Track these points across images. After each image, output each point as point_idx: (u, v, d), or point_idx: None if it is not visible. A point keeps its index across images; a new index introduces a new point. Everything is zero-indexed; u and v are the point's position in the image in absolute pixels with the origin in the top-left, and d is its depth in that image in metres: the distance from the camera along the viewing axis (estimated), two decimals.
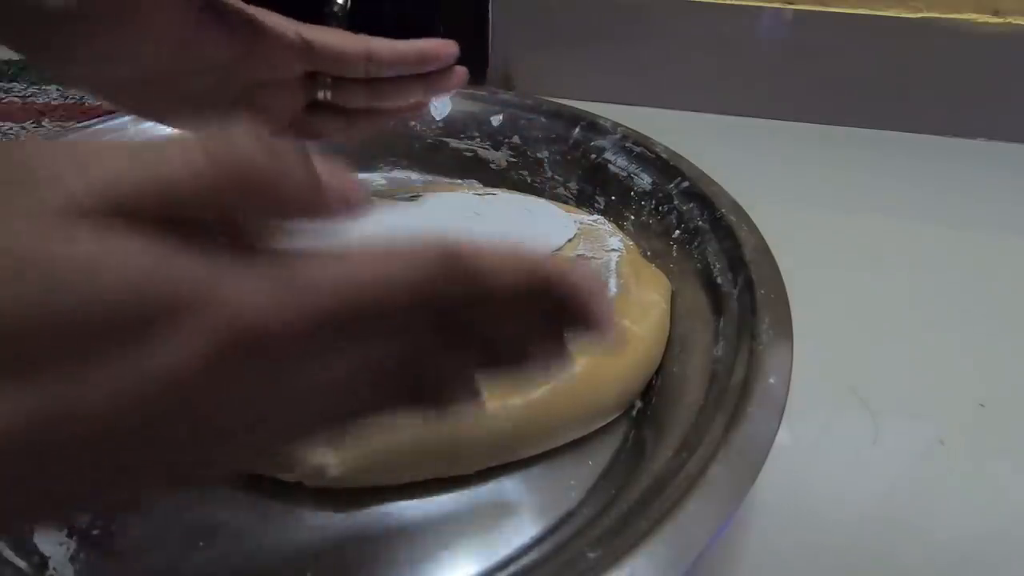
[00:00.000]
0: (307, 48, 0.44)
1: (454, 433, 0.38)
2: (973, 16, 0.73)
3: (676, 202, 0.53)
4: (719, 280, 0.46)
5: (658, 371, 0.45)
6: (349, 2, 0.81)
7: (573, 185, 0.62)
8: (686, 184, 0.54)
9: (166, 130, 0.60)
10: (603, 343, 0.24)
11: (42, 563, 0.35)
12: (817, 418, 0.47)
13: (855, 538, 0.41)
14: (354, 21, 0.82)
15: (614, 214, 0.57)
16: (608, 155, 0.60)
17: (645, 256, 0.53)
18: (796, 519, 0.41)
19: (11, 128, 0.79)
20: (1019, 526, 0.42)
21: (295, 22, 0.43)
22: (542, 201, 0.54)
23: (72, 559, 0.36)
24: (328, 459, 0.37)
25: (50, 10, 0.33)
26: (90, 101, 0.79)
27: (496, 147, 0.66)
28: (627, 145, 0.60)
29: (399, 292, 0.21)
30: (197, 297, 0.18)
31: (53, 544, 0.36)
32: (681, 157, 0.57)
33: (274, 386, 0.20)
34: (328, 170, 0.23)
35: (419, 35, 0.87)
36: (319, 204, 0.22)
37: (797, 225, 0.56)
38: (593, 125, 0.63)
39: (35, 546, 0.36)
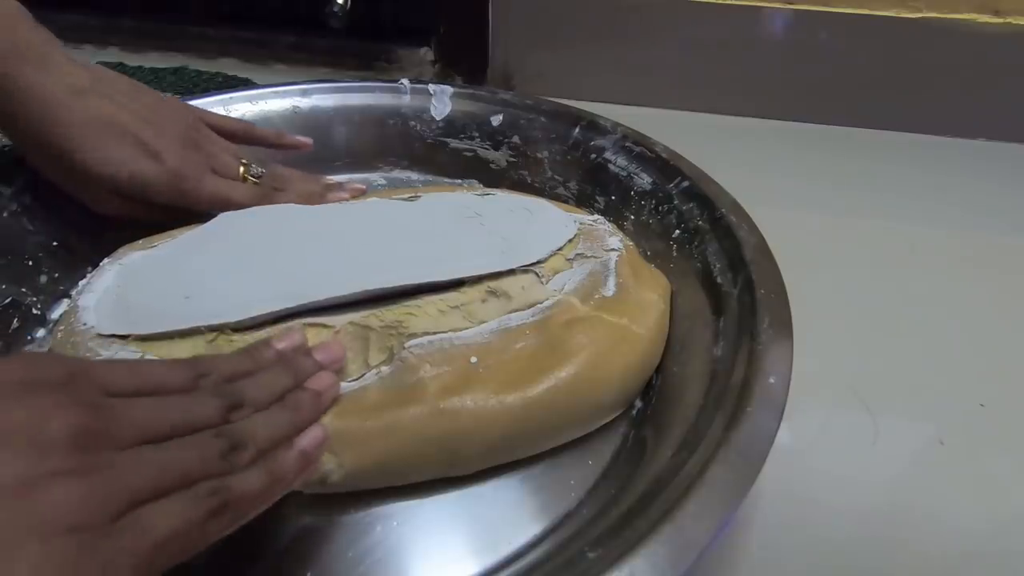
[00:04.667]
0: None
1: (454, 434, 0.38)
2: (973, 16, 0.73)
3: (676, 202, 0.54)
4: (719, 280, 0.46)
5: (658, 371, 0.45)
6: (349, 2, 0.81)
7: (573, 185, 0.62)
8: (686, 184, 0.54)
9: None
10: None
11: None
12: (817, 418, 0.48)
13: (855, 538, 0.41)
14: (354, 21, 0.83)
15: (614, 214, 0.57)
16: (608, 155, 0.60)
17: (645, 256, 0.53)
18: (796, 519, 0.41)
19: None
20: (1019, 526, 0.42)
21: None
22: (542, 201, 0.54)
23: None
24: (330, 466, 0.37)
25: None
26: None
27: (496, 147, 0.66)
28: (627, 145, 0.60)
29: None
30: None
31: None
32: (681, 157, 0.57)
33: None
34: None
35: (419, 35, 0.87)
36: None
37: (797, 225, 0.56)
38: (593, 125, 0.63)
39: None
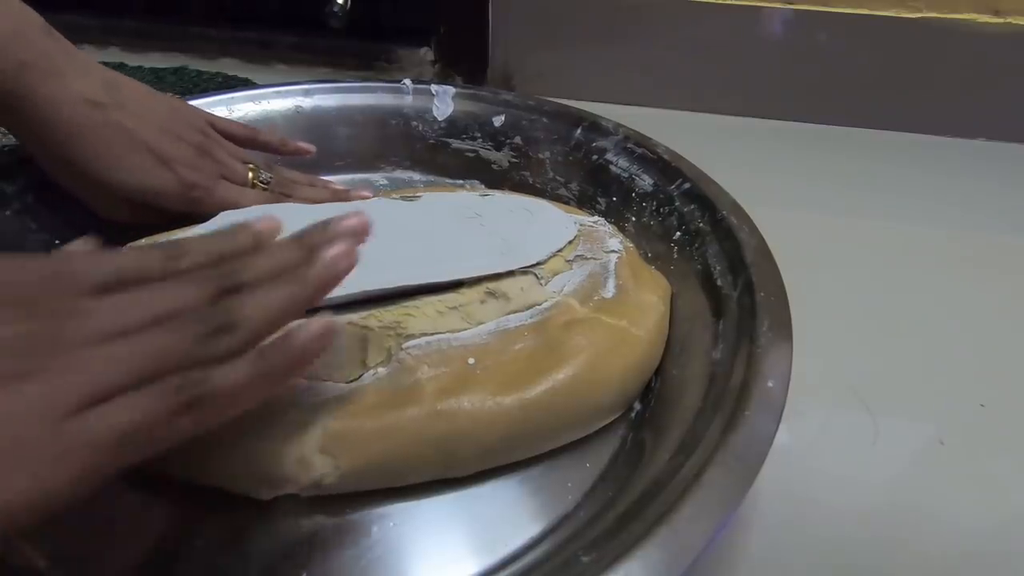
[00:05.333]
0: None
1: (451, 436, 0.38)
2: (973, 16, 0.73)
3: (677, 204, 0.54)
4: (719, 282, 0.46)
5: (657, 373, 0.45)
6: (349, 2, 0.81)
7: (575, 186, 0.62)
8: (687, 185, 0.54)
9: None
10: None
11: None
12: (817, 418, 0.48)
13: (855, 538, 0.41)
14: (354, 21, 0.83)
15: (615, 215, 0.57)
16: (610, 156, 0.60)
17: (646, 258, 0.53)
18: (796, 519, 0.41)
19: None
20: (1019, 526, 0.42)
21: None
22: (542, 202, 0.54)
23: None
24: (326, 468, 0.37)
25: None
26: None
27: (498, 148, 0.66)
28: (628, 146, 0.60)
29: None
30: None
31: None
32: (682, 158, 0.57)
33: None
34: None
35: (418, 35, 0.87)
36: None
37: (797, 225, 0.56)
38: (595, 126, 0.63)
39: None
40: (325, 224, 0.34)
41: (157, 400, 0.27)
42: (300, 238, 0.34)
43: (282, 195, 0.56)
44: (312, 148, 0.61)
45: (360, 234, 0.34)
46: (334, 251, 0.32)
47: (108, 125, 0.49)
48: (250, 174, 0.55)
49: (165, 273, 0.30)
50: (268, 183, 0.56)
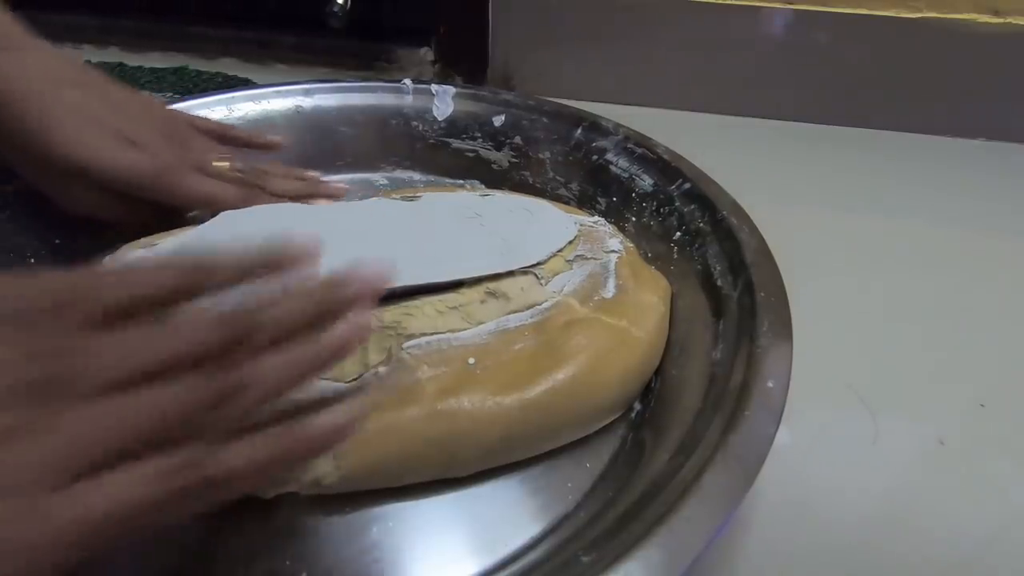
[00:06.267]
0: None
1: (451, 436, 0.38)
2: (973, 16, 0.73)
3: (677, 204, 0.54)
4: (719, 283, 0.46)
5: (657, 373, 0.45)
6: (349, 2, 0.81)
7: (575, 186, 0.62)
8: (687, 186, 0.54)
9: None
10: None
11: None
12: (817, 418, 0.47)
13: (855, 538, 0.41)
14: (354, 21, 0.83)
15: (615, 215, 0.57)
16: (610, 156, 0.60)
17: (646, 258, 0.53)
18: (796, 519, 0.41)
19: None
20: (1019, 526, 0.42)
21: None
22: (542, 202, 0.54)
23: None
24: (326, 468, 0.37)
25: None
26: None
27: (498, 148, 0.66)
28: (629, 146, 0.60)
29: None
30: None
31: None
32: (682, 158, 0.57)
33: None
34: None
35: (418, 35, 0.87)
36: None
37: (797, 225, 0.56)
38: (595, 126, 0.63)
39: None
40: (344, 280, 0.31)
41: (162, 477, 0.24)
42: (320, 290, 0.31)
43: (256, 186, 0.55)
44: (279, 140, 0.59)
45: (380, 285, 0.32)
46: (344, 328, 0.30)
47: (70, 101, 0.47)
48: (223, 164, 0.54)
49: (183, 294, 0.28)
50: (242, 173, 0.55)
